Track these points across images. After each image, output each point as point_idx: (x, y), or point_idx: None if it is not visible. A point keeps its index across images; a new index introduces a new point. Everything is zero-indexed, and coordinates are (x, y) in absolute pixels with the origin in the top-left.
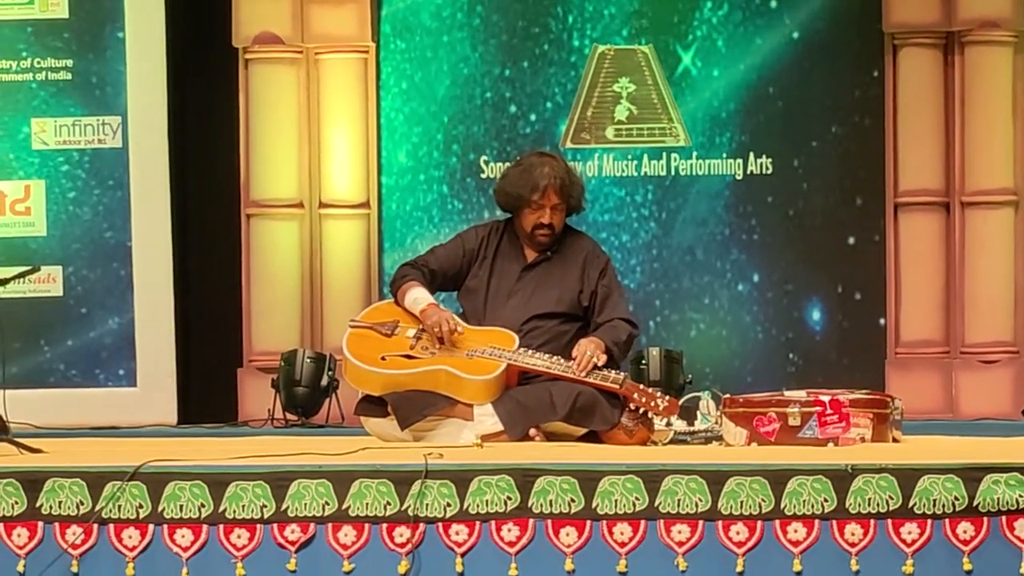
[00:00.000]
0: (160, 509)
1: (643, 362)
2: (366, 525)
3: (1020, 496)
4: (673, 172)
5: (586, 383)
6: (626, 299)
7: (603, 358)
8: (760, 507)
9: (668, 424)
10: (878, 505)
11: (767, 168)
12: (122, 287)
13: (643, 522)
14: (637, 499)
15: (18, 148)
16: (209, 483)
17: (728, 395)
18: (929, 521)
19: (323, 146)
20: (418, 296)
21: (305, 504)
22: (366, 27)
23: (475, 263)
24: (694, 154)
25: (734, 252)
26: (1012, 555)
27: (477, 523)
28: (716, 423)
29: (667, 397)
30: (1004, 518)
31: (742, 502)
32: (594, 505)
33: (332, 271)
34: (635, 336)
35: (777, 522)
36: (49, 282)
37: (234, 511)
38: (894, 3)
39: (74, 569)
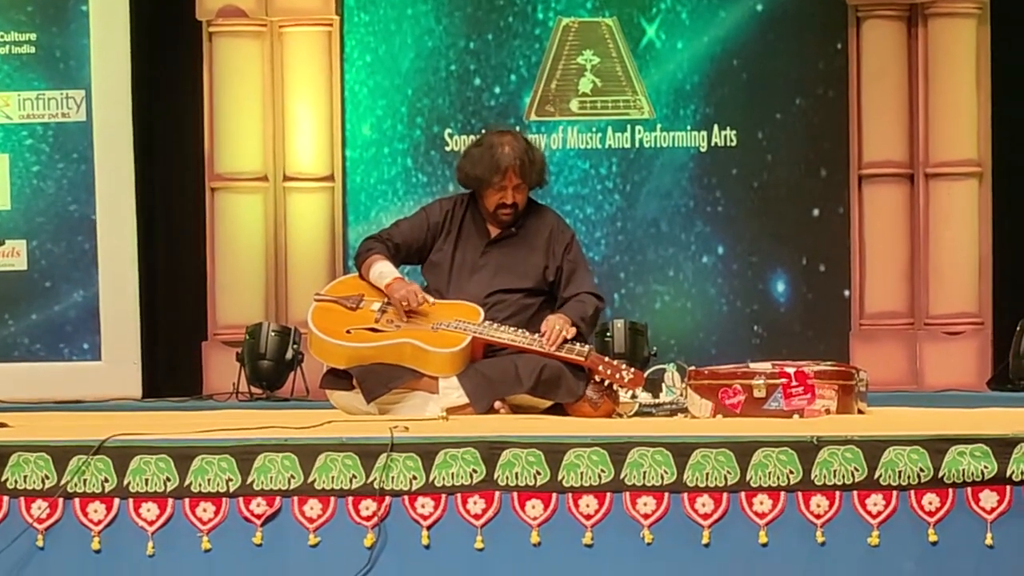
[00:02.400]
0: (126, 483)
1: (608, 334)
2: (332, 498)
3: (985, 467)
4: (637, 144)
5: (551, 356)
6: (591, 273)
7: (572, 332)
8: (726, 479)
9: (633, 396)
10: (843, 477)
11: (731, 140)
12: (86, 261)
13: (609, 494)
14: (603, 471)
15: None
16: (175, 457)
17: (693, 367)
18: (895, 493)
19: (287, 119)
20: (383, 270)
21: (271, 478)
22: (330, 0)
23: (439, 237)
24: (658, 126)
25: (698, 224)
26: (977, 526)
27: (443, 496)
28: (681, 395)
29: (632, 369)
30: (969, 489)
31: (708, 474)
32: (560, 478)
33: (296, 244)
34: (601, 309)
35: (743, 494)
36: (13, 256)
37: (200, 485)
38: None
39: (39, 544)
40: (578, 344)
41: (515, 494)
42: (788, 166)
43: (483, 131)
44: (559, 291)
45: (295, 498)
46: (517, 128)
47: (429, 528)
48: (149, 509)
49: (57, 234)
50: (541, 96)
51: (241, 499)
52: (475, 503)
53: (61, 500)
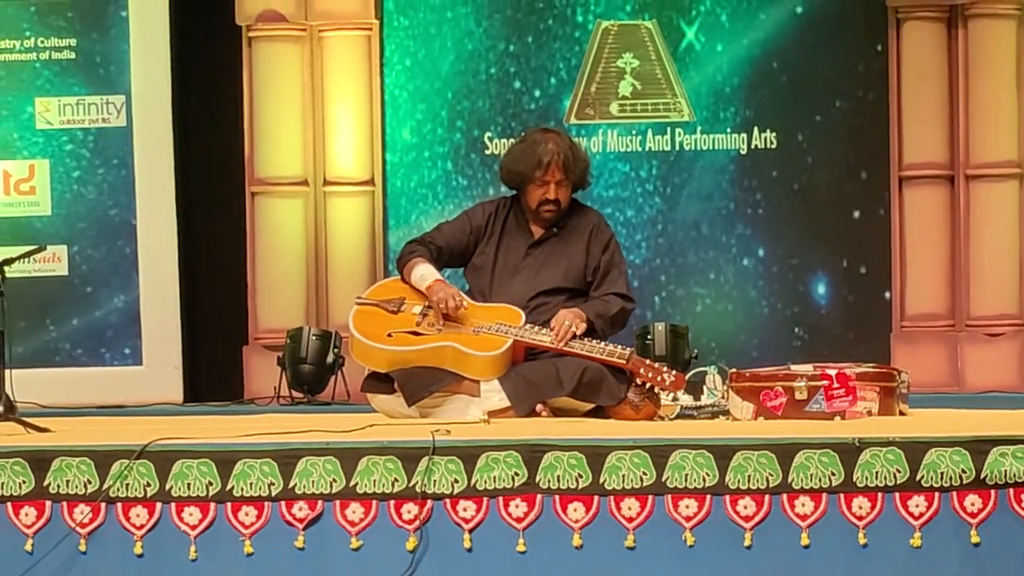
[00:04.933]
0: (168, 487)
1: (649, 337)
2: (374, 502)
3: None
4: (677, 147)
5: (592, 358)
6: (626, 274)
7: (582, 327)
8: (767, 481)
9: (675, 399)
10: (885, 478)
11: (771, 143)
12: (127, 266)
13: (651, 497)
14: (644, 474)
15: (22, 128)
16: (217, 461)
17: (734, 369)
18: (936, 494)
19: (327, 123)
20: (424, 273)
21: (313, 481)
22: (369, 4)
23: (482, 240)
24: (698, 129)
25: (739, 227)
26: (1020, 527)
27: (485, 499)
28: (723, 398)
29: (673, 372)
30: (1011, 490)
31: (749, 476)
32: (602, 480)
33: (337, 248)
34: (629, 311)
35: (785, 496)
36: (54, 261)
37: (242, 489)
38: None
39: (82, 548)
40: (620, 347)
41: (557, 497)
42: (828, 168)
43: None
44: (591, 290)
45: (337, 502)
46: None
47: (471, 531)
48: (191, 513)
49: (98, 239)
50: (581, 99)
51: (283, 503)
52: (517, 506)
53: (103, 504)
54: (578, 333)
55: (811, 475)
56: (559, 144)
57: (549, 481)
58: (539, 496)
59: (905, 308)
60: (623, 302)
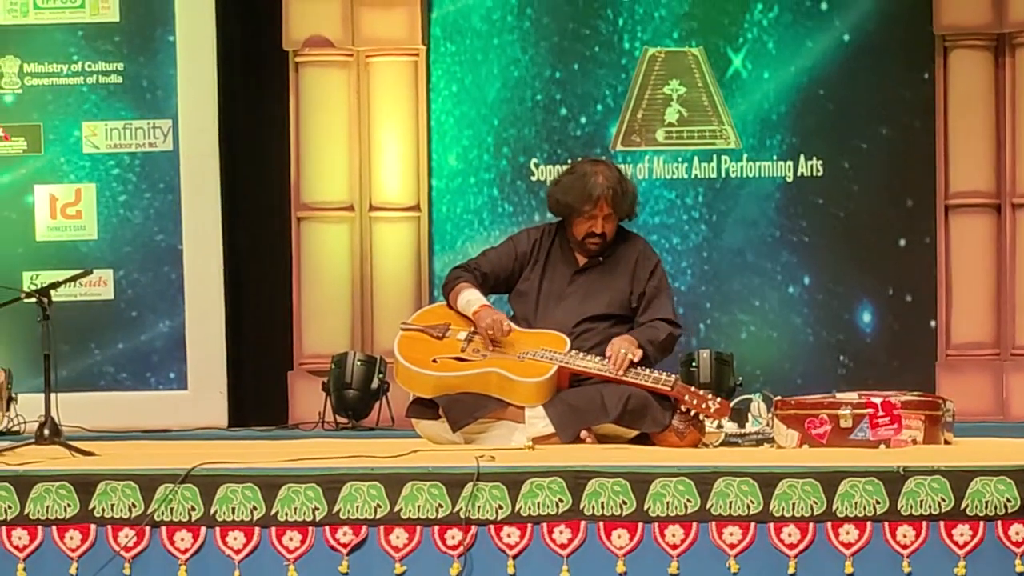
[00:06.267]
0: (212, 511)
1: (693, 364)
2: (418, 527)
3: None
4: (723, 174)
5: (637, 385)
6: (673, 300)
7: (638, 354)
8: (812, 509)
9: (719, 426)
10: (930, 507)
11: (817, 170)
12: (173, 290)
13: (695, 524)
14: (689, 501)
15: (69, 152)
16: (261, 485)
17: (779, 397)
18: (981, 523)
19: (373, 149)
20: (470, 298)
21: (357, 506)
22: (416, 30)
23: (527, 266)
24: (744, 156)
25: (784, 254)
26: None
27: (529, 525)
28: (767, 425)
29: (718, 399)
30: None
31: (794, 504)
32: (646, 507)
33: (382, 274)
34: (676, 337)
35: (829, 524)
36: (100, 285)
37: (286, 513)
38: (944, 5)
39: (126, 572)
40: (664, 373)
41: (601, 523)
42: (874, 196)
43: (569, 161)
44: (637, 316)
45: (381, 527)
46: (604, 158)
47: (515, 558)
48: (236, 538)
49: (144, 264)
50: (627, 126)
51: (327, 528)
52: (561, 533)
53: (148, 528)
54: (635, 360)
55: (855, 503)
56: (608, 178)
57: (593, 507)
58: (583, 523)
59: (950, 337)
60: (671, 328)
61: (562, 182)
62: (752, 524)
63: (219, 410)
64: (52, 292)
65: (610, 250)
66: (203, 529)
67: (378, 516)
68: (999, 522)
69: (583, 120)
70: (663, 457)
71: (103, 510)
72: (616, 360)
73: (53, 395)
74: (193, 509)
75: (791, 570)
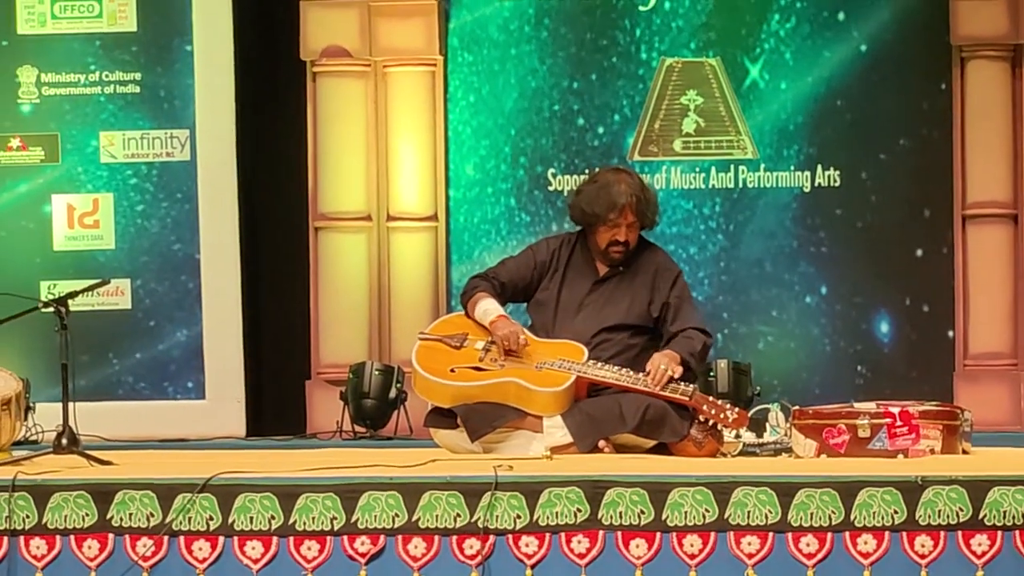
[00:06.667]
0: (230, 521)
1: (711, 374)
2: (436, 537)
3: None
4: (741, 184)
5: (655, 395)
6: (698, 309)
7: (678, 371)
8: (830, 519)
9: (737, 436)
10: (948, 517)
11: (835, 180)
12: (190, 300)
13: (713, 534)
14: (707, 511)
15: (86, 161)
16: (279, 495)
17: (797, 407)
18: (999, 533)
19: (391, 159)
20: (488, 308)
21: (375, 516)
22: (434, 40)
23: (546, 276)
24: (762, 166)
25: (802, 264)
26: None
27: (547, 535)
28: (785, 435)
29: (736, 409)
30: None
31: (812, 514)
32: (664, 517)
33: (400, 284)
34: (710, 345)
35: (847, 534)
36: (117, 295)
37: (304, 523)
38: (962, 16)
39: None
40: (682, 384)
41: (619, 533)
42: (892, 206)
43: (587, 171)
44: (665, 327)
45: (399, 536)
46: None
47: (533, 567)
48: (254, 547)
49: (161, 273)
50: (644, 136)
51: (345, 537)
52: (579, 542)
53: (166, 538)
54: (675, 376)
55: (874, 513)
56: (632, 186)
57: (611, 517)
58: (601, 532)
59: (968, 346)
60: (704, 336)
61: (585, 191)
62: (770, 534)
63: (237, 419)
64: (70, 302)
65: (630, 260)
66: (221, 538)
67: (396, 525)
68: (1017, 532)
69: (600, 130)
70: (681, 467)
71: (121, 519)
72: (656, 376)
73: (71, 404)
74: (211, 518)
75: None
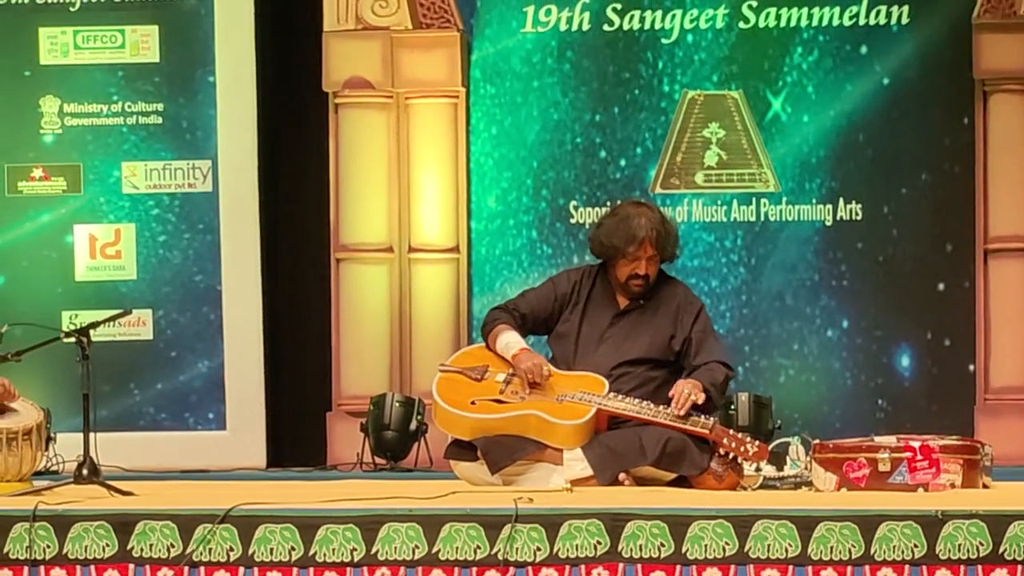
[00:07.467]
0: (251, 552)
1: (732, 407)
2: (456, 569)
3: None
4: (763, 217)
5: (676, 428)
6: (721, 343)
7: (701, 397)
8: (850, 553)
9: (758, 469)
10: (968, 551)
11: (857, 214)
12: (212, 331)
13: (733, 567)
14: (727, 544)
15: (109, 192)
16: (299, 526)
17: (818, 440)
18: (1019, 567)
19: (412, 190)
20: (509, 340)
21: (395, 548)
22: (456, 72)
23: (567, 308)
24: (784, 200)
25: (823, 298)
26: None
27: (567, 567)
28: (806, 468)
29: (757, 442)
30: None
31: (832, 547)
32: (684, 550)
33: (421, 315)
34: (731, 378)
35: (867, 568)
36: (139, 326)
37: (324, 554)
38: (985, 50)
39: None
40: (703, 417)
41: (639, 566)
42: (913, 240)
43: (609, 203)
44: (688, 361)
45: (419, 568)
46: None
47: None
48: None
49: (183, 304)
50: (667, 169)
51: (365, 569)
52: (599, 575)
53: (187, 568)
54: (699, 402)
55: (894, 547)
56: (652, 219)
57: (631, 550)
58: (621, 565)
59: (989, 381)
60: (726, 370)
61: (605, 224)
62: (790, 567)
63: (257, 450)
64: (91, 332)
65: (651, 293)
66: (241, 569)
67: (416, 557)
68: None
69: (623, 163)
70: (701, 500)
71: (141, 550)
72: (679, 400)
73: (92, 435)
74: (231, 549)
75: None
